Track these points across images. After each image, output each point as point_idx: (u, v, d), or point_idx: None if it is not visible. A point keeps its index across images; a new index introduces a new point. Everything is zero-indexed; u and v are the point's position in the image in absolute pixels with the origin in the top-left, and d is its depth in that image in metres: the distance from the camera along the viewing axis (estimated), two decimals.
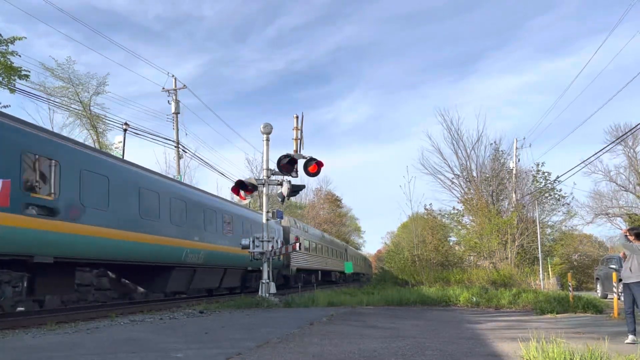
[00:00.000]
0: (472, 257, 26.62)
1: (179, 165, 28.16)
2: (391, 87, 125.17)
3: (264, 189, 14.99)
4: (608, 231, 59.44)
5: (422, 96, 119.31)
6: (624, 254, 7.88)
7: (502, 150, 28.53)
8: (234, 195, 16.24)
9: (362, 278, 52.90)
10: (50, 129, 16.25)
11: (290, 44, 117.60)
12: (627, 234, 7.80)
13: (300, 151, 14.81)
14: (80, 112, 27.96)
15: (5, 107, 18.59)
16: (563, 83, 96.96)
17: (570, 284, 14.59)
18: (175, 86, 28.10)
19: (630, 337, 7.17)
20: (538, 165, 26.59)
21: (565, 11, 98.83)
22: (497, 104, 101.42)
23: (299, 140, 14.85)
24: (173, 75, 28.28)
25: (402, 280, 22.75)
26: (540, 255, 22.61)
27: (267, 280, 13.97)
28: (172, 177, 21.04)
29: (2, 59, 18.19)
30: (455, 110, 68.02)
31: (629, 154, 39.55)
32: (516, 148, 29.44)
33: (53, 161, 10.06)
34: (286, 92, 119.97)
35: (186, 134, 66.72)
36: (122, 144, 22.80)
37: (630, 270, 7.57)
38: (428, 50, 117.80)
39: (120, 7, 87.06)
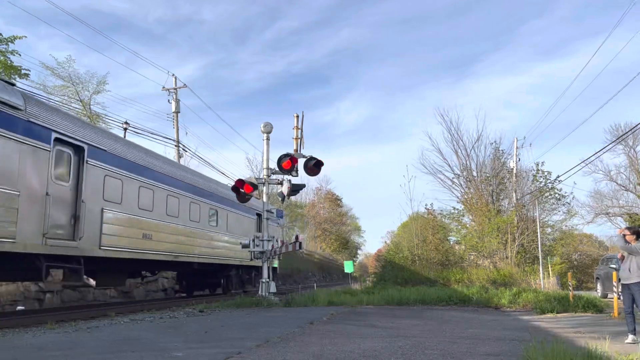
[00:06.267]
0: (472, 257, 26.59)
1: None
2: (390, 89, 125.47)
3: (264, 188, 14.97)
4: (608, 231, 59.51)
5: (421, 97, 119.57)
6: (622, 255, 7.87)
7: (502, 150, 28.45)
8: None
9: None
10: None
11: (289, 47, 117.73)
12: (625, 234, 7.79)
13: (300, 150, 14.78)
14: (80, 111, 27.94)
15: None
16: (560, 84, 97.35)
17: (570, 283, 14.57)
18: (176, 85, 28.07)
19: (630, 337, 7.18)
20: (538, 164, 26.54)
21: (560, 14, 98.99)
22: (495, 105, 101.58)
23: (299, 140, 14.81)
24: (173, 75, 28.25)
25: (402, 280, 22.74)
26: (540, 255, 22.57)
27: (267, 280, 13.98)
28: None
29: (2, 57, 18.20)
30: (454, 110, 67.99)
31: (629, 154, 39.58)
32: (516, 147, 29.38)
33: None
34: (285, 93, 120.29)
35: (186, 134, 66.60)
36: None
37: (629, 270, 7.56)
38: (426, 52, 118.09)
39: (121, 10, 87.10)
